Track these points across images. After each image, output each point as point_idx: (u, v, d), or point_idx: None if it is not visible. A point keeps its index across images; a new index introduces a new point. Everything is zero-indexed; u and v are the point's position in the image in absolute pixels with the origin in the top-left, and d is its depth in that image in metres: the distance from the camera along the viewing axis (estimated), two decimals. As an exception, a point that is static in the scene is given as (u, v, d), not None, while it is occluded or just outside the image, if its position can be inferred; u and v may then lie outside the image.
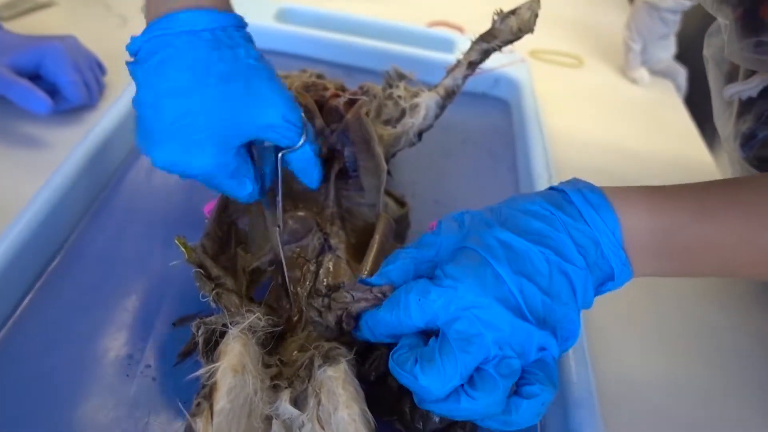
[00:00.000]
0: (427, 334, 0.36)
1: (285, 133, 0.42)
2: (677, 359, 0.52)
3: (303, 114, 0.44)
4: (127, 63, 0.42)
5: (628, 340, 0.53)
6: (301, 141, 0.43)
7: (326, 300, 0.39)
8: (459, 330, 0.34)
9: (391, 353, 0.35)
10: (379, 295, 0.37)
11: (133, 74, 0.41)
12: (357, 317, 0.38)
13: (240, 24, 0.43)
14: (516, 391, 0.34)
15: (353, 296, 0.37)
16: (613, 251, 0.36)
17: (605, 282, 0.37)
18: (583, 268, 0.35)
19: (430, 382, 0.33)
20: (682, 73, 0.96)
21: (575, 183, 0.38)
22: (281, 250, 0.45)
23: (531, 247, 0.35)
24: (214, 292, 0.41)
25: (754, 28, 0.49)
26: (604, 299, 0.54)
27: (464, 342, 0.33)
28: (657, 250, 0.37)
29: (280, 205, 0.46)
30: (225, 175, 0.42)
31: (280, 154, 0.45)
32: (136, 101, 0.41)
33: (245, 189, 0.43)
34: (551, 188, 0.39)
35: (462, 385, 0.33)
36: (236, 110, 0.41)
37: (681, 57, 0.96)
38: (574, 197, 0.37)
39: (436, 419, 0.37)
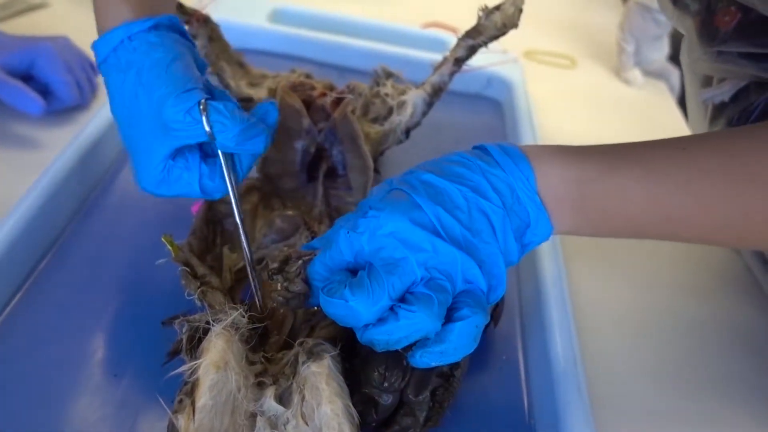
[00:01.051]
0: (355, 273, 0.37)
1: (185, 131, 0.39)
2: (664, 354, 0.52)
3: (203, 101, 0.39)
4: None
5: (616, 336, 0.53)
6: (207, 130, 0.39)
7: (283, 274, 0.39)
8: (384, 257, 0.35)
9: (321, 288, 0.36)
10: None
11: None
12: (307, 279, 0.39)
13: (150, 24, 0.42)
14: (447, 318, 0.35)
15: (303, 261, 0.38)
16: (528, 195, 0.37)
17: (525, 231, 0.38)
18: (500, 207, 0.37)
19: (359, 302, 0.34)
20: (675, 73, 0.96)
21: (496, 142, 0.40)
22: (247, 254, 0.43)
23: (450, 185, 0.37)
24: (199, 290, 0.41)
25: (711, 37, 0.49)
26: (593, 296, 0.55)
27: (390, 266, 0.34)
28: (571, 202, 0.38)
29: (235, 205, 0.42)
30: (168, 182, 0.42)
31: (219, 152, 0.41)
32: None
33: (194, 191, 0.42)
34: (474, 147, 0.41)
35: (399, 306, 0.34)
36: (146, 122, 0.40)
37: (674, 58, 0.96)
38: (491, 149, 0.39)
39: (386, 401, 0.37)
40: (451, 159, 0.39)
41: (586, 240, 0.41)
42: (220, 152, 0.41)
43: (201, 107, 0.39)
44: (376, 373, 0.37)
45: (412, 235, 0.35)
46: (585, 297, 0.55)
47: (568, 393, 0.42)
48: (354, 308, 0.34)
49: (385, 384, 0.37)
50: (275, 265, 0.38)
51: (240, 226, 0.42)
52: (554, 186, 0.38)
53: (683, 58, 0.63)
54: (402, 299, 0.35)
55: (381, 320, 0.34)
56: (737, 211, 0.37)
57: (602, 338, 0.52)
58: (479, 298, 0.36)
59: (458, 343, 0.35)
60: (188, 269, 0.42)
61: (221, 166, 0.42)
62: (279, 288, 0.38)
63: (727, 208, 0.37)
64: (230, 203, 0.42)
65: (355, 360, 0.39)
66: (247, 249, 0.42)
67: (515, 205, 0.37)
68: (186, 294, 0.42)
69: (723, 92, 0.55)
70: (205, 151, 0.43)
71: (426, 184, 0.37)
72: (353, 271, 0.37)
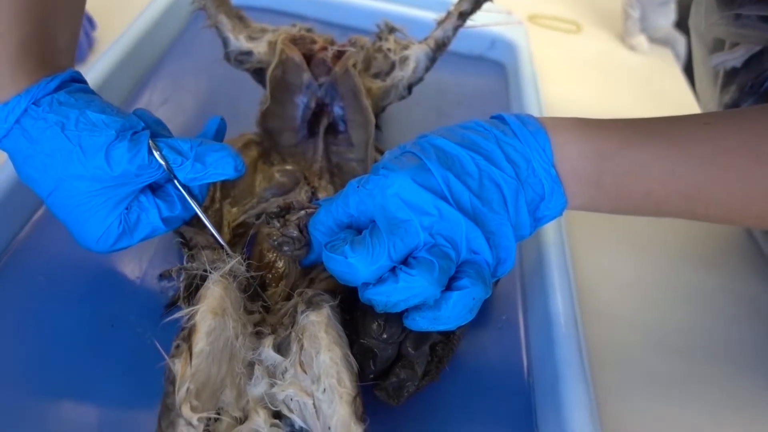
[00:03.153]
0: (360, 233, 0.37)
1: (147, 174, 0.38)
2: (665, 320, 0.52)
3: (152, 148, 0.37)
4: None
5: (619, 302, 0.53)
6: (164, 165, 0.38)
7: (281, 220, 0.38)
8: (388, 217, 0.35)
9: (324, 244, 0.36)
10: None
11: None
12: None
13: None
14: (447, 287, 0.34)
15: (306, 212, 0.37)
16: (544, 167, 0.36)
17: (538, 204, 0.37)
18: (513, 178, 0.36)
19: (358, 259, 0.34)
20: (681, 40, 0.95)
21: (514, 113, 0.40)
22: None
23: (462, 151, 0.36)
24: (188, 255, 0.40)
25: (730, 0, 0.48)
26: (596, 262, 0.55)
27: (393, 226, 0.34)
28: (588, 176, 0.37)
29: (210, 225, 0.40)
30: (129, 232, 0.40)
31: (176, 183, 0.39)
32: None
33: (158, 228, 0.40)
34: (492, 116, 0.40)
35: (400, 268, 0.34)
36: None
37: (680, 25, 0.95)
38: (508, 119, 0.38)
39: (384, 352, 0.37)
40: (467, 126, 0.38)
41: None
42: (176, 182, 0.39)
43: (152, 145, 0.37)
44: (375, 324, 0.37)
45: (417, 197, 0.34)
46: (588, 263, 0.55)
47: (567, 353, 0.42)
48: (353, 265, 0.34)
49: (384, 335, 0.37)
50: (274, 209, 0.37)
51: (219, 240, 0.40)
52: (571, 159, 0.37)
53: (693, 22, 0.62)
54: (405, 263, 0.34)
55: (381, 281, 0.34)
56: (758, 191, 0.36)
57: (604, 303, 0.52)
58: (482, 270, 0.35)
59: (453, 312, 0.34)
60: (180, 238, 0.41)
61: (176, 195, 0.40)
62: (273, 229, 0.38)
63: (749, 187, 0.36)
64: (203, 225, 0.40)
65: (356, 312, 0.38)
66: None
67: (530, 177, 0.36)
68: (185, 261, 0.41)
69: (735, 57, 0.54)
70: (152, 186, 0.40)
71: (437, 149, 0.36)
72: (360, 232, 0.36)
